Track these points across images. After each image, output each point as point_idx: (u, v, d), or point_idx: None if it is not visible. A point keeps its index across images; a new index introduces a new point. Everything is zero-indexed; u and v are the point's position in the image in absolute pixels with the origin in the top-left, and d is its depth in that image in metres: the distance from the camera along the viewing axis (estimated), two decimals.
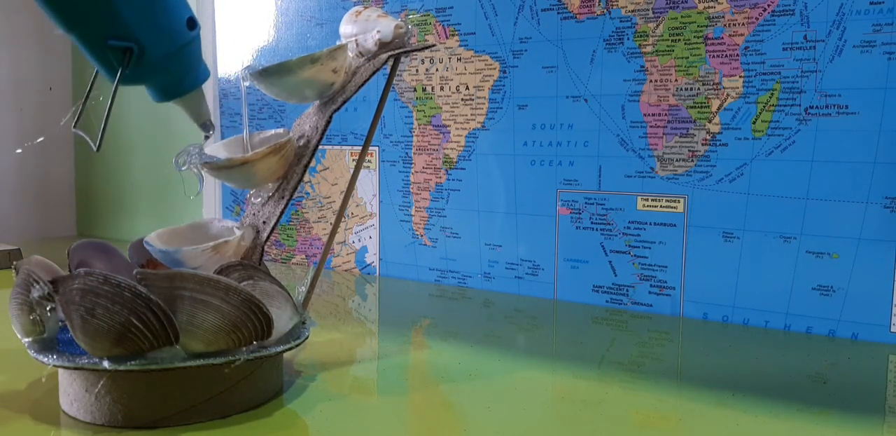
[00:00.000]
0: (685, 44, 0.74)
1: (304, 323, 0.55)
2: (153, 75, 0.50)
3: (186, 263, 0.53)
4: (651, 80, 0.76)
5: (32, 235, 1.34)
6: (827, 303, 0.70)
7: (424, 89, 0.92)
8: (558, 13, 0.81)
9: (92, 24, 0.46)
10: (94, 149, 0.51)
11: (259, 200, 0.58)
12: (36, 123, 1.32)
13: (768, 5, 0.70)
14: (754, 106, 0.71)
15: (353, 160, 1.00)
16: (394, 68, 0.58)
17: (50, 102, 1.34)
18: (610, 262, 0.81)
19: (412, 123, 0.94)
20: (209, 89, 1.13)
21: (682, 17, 0.74)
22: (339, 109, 0.56)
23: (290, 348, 0.50)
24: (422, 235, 0.94)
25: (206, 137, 0.56)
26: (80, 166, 1.38)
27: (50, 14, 0.46)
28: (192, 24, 0.50)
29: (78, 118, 0.54)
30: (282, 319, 0.50)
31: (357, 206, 1.00)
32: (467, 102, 0.89)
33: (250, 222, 0.58)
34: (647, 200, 0.78)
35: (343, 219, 1.00)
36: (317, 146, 0.56)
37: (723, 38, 0.72)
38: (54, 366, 0.46)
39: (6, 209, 1.31)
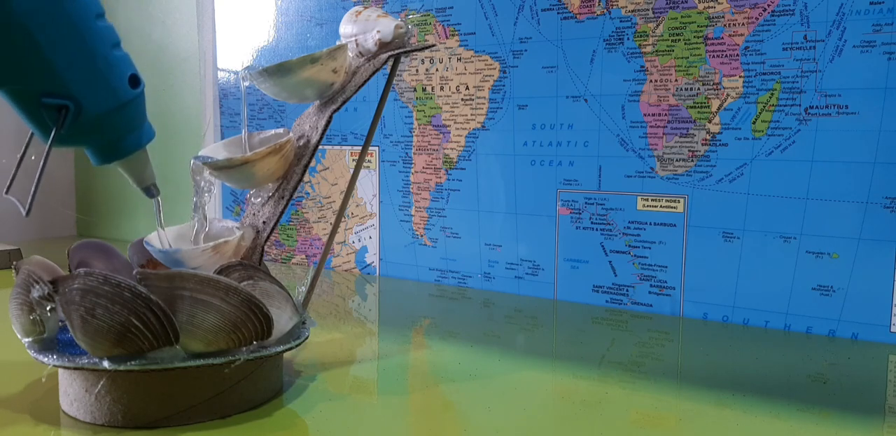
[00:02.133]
0: (685, 44, 0.74)
1: (304, 323, 0.55)
2: (91, 136, 0.46)
3: (186, 263, 0.53)
4: (651, 80, 0.76)
5: (32, 235, 1.34)
6: (827, 303, 0.70)
7: (424, 89, 0.92)
8: (558, 13, 0.81)
9: (24, 79, 0.42)
10: (24, 214, 0.46)
11: (259, 200, 0.58)
12: None
13: (768, 5, 0.70)
14: (754, 106, 0.71)
15: (353, 160, 1.00)
16: (394, 68, 0.58)
17: None
18: (610, 262, 0.81)
19: (412, 123, 0.94)
20: (209, 90, 1.13)
21: (682, 17, 0.74)
22: (339, 109, 0.56)
23: (290, 348, 0.50)
24: (422, 235, 0.94)
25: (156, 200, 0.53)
26: (80, 166, 1.38)
27: None
28: (136, 81, 0.46)
29: (10, 184, 0.49)
30: (282, 320, 0.50)
31: (357, 206, 1.00)
32: (467, 102, 0.89)
33: (250, 222, 0.58)
34: (647, 200, 0.78)
35: (343, 219, 1.00)
36: (317, 146, 0.56)
37: (723, 38, 0.72)
38: (54, 366, 0.46)
39: (6, 209, 1.31)
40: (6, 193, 0.49)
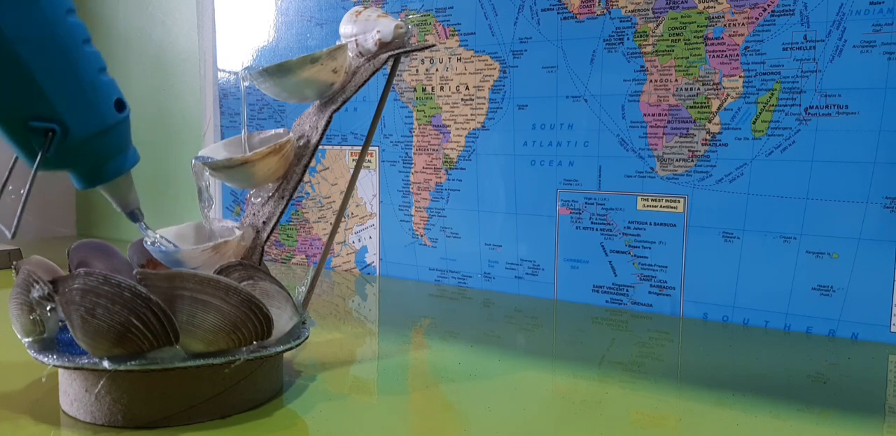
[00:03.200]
0: (685, 44, 0.74)
1: (303, 323, 0.55)
2: (76, 159, 0.46)
3: (186, 263, 0.53)
4: (651, 80, 0.76)
5: (32, 235, 1.34)
6: (827, 303, 0.70)
7: (424, 89, 0.92)
8: (558, 13, 0.81)
9: (12, 102, 0.42)
10: (9, 236, 0.46)
11: (259, 200, 0.58)
12: None
13: (768, 5, 0.70)
14: (754, 106, 0.71)
15: (353, 160, 1.00)
16: (394, 68, 0.58)
17: None
18: (610, 262, 0.81)
19: (412, 123, 0.94)
20: (209, 90, 1.13)
21: (682, 17, 0.74)
22: (339, 109, 0.56)
23: (290, 348, 0.50)
24: (422, 235, 0.94)
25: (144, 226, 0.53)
26: None
27: None
28: (121, 106, 0.46)
29: None
30: (282, 319, 0.50)
31: (357, 206, 1.00)
32: (467, 102, 0.89)
33: (250, 222, 0.58)
34: (647, 200, 0.78)
35: (343, 219, 1.00)
36: (317, 146, 0.56)
37: (723, 38, 0.72)
38: (54, 366, 0.46)
39: (6, 209, 1.31)
40: None
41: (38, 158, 0.43)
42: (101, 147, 0.46)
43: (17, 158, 0.47)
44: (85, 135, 0.45)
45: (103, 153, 0.47)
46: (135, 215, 0.52)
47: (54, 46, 0.43)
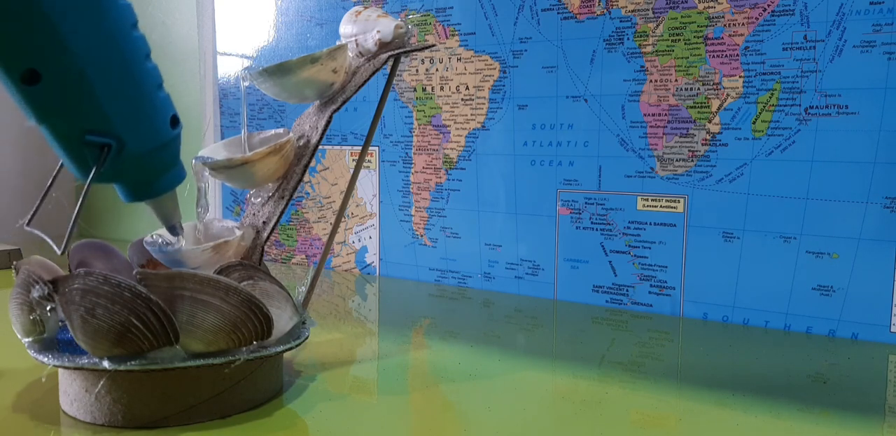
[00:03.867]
0: (685, 44, 0.74)
1: (303, 323, 0.55)
2: (127, 174, 0.46)
3: (186, 263, 0.53)
4: (651, 80, 0.76)
5: (32, 235, 1.33)
6: (827, 303, 0.70)
7: (424, 89, 0.92)
8: (558, 13, 0.81)
9: (70, 116, 0.42)
10: (58, 252, 0.46)
11: (259, 200, 0.58)
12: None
13: (768, 5, 0.70)
14: (754, 106, 0.71)
15: (354, 160, 1.00)
16: (394, 68, 0.58)
17: None
18: (610, 262, 0.81)
19: (412, 123, 0.94)
20: (209, 90, 1.13)
21: (682, 17, 0.74)
22: (338, 109, 0.56)
23: (290, 348, 0.50)
24: (422, 235, 0.94)
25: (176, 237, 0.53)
26: None
27: (21, 102, 0.41)
28: (175, 121, 0.46)
29: (32, 216, 0.49)
30: (282, 319, 0.50)
31: (357, 206, 1.00)
32: (467, 102, 0.89)
33: (250, 222, 0.58)
34: (647, 200, 0.78)
35: (343, 219, 1.00)
36: (317, 146, 0.56)
37: (723, 38, 0.72)
38: (54, 366, 0.46)
39: (6, 209, 1.31)
40: (27, 225, 0.49)
41: (93, 172, 0.43)
42: (153, 163, 0.46)
43: (60, 167, 0.46)
44: (140, 150, 0.44)
45: (155, 169, 0.46)
46: (175, 230, 0.52)
47: (117, 61, 0.42)
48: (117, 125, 0.43)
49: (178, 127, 0.46)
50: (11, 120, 1.30)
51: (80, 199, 0.44)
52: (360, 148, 0.64)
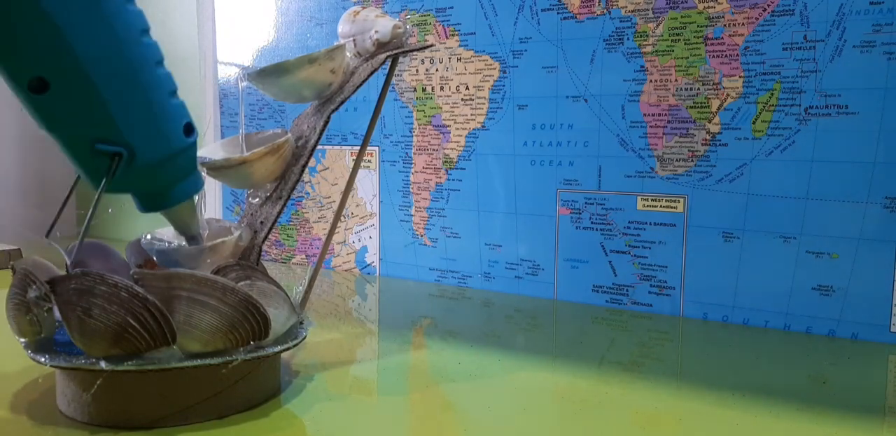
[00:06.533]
0: (685, 44, 0.74)
1: (301, 323, 0.54)
2: (141, 183, 0.45)
3: (184, 263, 0.53)
4: (651, 80, 0.76)
5: (32, 235, 1.34)
6: (827, 303, 0.69)
7: (424, 89, 0.92)
8: (558, 13, 0.81)
9: (80, 125, 0.41)
10: (68, 261, 0.45)
11: (257, 200, 0.58)
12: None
13: (768, 5, 0.70)
14: (754, 106, 0.71)
15: (353, 160, 1.00)
16: (392, 68, 0.58)
17: None
18: (610, 262, 0.81)
19: (412, 123, 0.93)
20: (209, 90, 1.13)
21: (682, 17, 0.74)
22: (337, 109, 0.56)
23: (287, 349, 0.50)
24: (422, 235, 0.94)
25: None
26: None
27: (30, 110, 0.40)
28: (190, 129, 0.45)
29: (51, 228, 0.49)
30: (279, 320, 0.50)
31: (357, 206, 1.00)
32: (467, 102, 0.89)
33: (248, 223, 0.58)
34: (647, 200, 0.78)
35: (343, 219, 1.00)
36: (315, 146, 0.56)
37: (723, 38, 0.72)
38: (51, 366, 0.46)
39: (6, 209, 1.31)
40: (46, 236, 0.49)
41: (103, 182, 0.42)
42: (167, 172, 0.45)
43: (78, 179, 0.46)
44: (152, 159, 0.44)
45: (169, 178, 0.46)
46: (196, 240, 0.51)
47: (126, 68, 0.41)
48: (128, 133, 0.42)
49: (192, 135, 0.45)
50: (12, 120, 1.30)
51: (91, 209, 0.43)
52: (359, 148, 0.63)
